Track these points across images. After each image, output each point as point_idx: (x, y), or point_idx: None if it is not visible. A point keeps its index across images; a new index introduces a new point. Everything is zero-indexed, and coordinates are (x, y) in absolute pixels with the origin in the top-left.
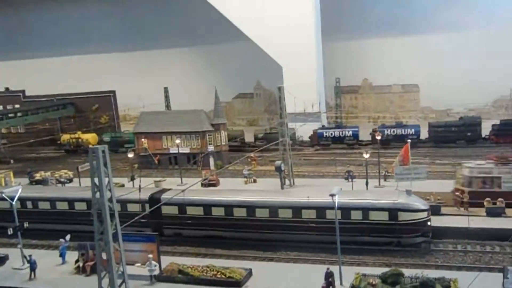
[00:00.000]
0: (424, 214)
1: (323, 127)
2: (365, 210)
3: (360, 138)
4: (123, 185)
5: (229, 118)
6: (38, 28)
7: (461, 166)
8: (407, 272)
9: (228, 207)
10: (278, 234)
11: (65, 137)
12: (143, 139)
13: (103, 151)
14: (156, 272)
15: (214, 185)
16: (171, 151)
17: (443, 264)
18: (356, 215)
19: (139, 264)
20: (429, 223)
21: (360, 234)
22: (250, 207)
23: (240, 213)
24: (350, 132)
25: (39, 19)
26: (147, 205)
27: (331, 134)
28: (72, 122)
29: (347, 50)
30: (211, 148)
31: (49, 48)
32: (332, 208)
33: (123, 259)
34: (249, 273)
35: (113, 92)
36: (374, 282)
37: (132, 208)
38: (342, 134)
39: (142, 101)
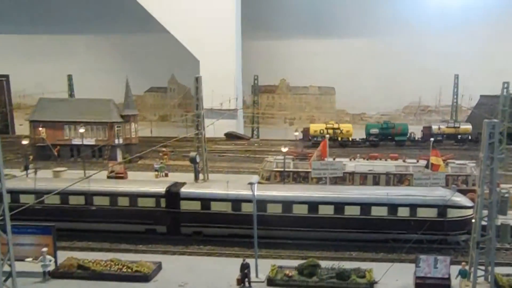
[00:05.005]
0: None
1: None
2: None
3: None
4: (14, 176)
5: (139, 112)
6: None
7: (264, 161)
8: (324, 264)
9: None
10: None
11: None
12: (40, 128)
13: None
14: (51, 267)
15: (122, 178)
16: (74, 142)
17: (358, 257)
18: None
19: (30, 259)
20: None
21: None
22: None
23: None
24: None
25: None
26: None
27: None
28: None
29: (266, 50)
30: (119, 140)
31: None
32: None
33: (11, 251)
34: (159, 266)
35: (6, 76)
36: (290, 274)
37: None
38: None
39: (42, 88)
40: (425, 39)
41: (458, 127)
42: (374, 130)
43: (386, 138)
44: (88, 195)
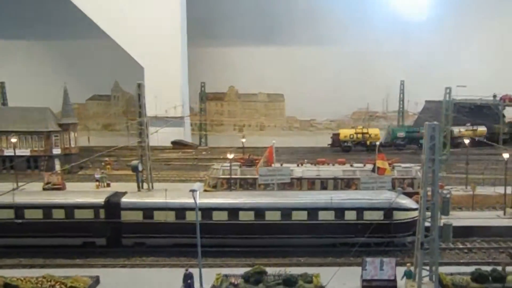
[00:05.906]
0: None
1: None
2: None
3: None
4: None
5: (81, 121)
6: None
7: (211, 168)
8: (270, 270)
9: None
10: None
11: None
12: None
13: None
14: None
15: (59, 189)
16: (6, 153)
17: (306, 262)
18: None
19: None
20: None
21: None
22: None
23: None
24: None
25: None
26: None
27: None
28: None
29: (214, 57)
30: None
31: None
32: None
33: None
34: (96, 281)
35: None
36: (236, 282)
37: None
38: None
39: None
40: (371, 47)
41: (476, 130)
42: (401, 134)
43: (411, 141)
44: (18, 208)
